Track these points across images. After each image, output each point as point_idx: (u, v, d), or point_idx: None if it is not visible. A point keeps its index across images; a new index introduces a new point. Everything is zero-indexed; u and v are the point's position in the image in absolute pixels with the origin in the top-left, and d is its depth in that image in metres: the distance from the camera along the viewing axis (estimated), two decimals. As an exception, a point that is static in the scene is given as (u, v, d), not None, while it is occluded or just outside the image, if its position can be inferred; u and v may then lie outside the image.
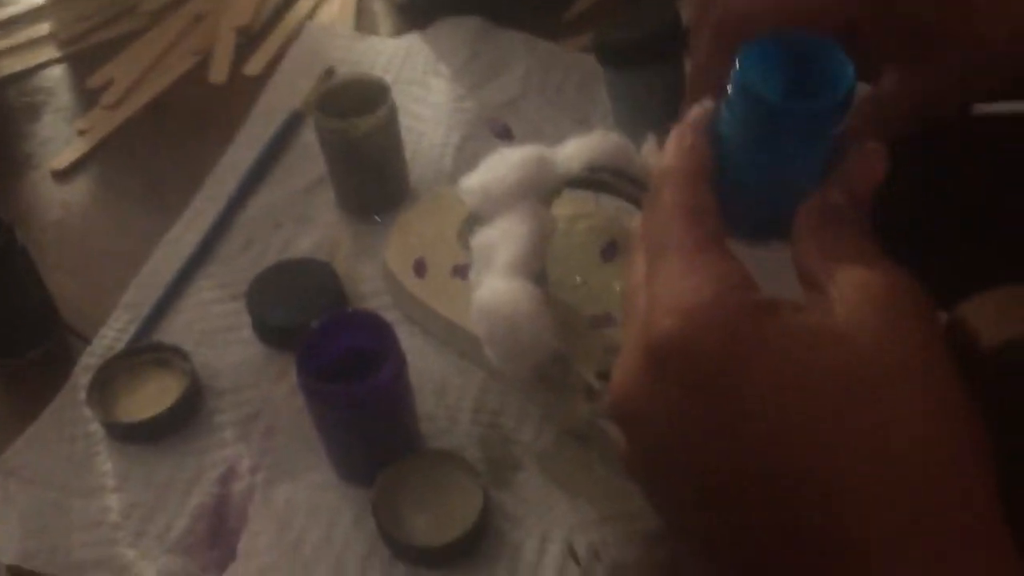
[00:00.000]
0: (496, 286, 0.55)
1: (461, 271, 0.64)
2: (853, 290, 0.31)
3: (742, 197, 0.37)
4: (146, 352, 0.65)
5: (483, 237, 0.58)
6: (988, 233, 0.85)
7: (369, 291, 0.68)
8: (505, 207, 0.58)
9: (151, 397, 0.62)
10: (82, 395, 0.63)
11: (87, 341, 0.67)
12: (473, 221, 0.61)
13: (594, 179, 0.59)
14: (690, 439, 0.31)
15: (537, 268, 0.56)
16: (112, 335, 0.67)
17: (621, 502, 0.54)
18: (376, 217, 0.72)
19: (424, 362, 0.63)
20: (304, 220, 0.73)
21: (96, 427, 0.62)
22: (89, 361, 0.66)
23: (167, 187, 0.78)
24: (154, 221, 0.74)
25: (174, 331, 0.67)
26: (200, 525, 0.57)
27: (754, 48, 0.36)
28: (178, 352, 0.64)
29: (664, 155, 0.37)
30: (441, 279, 0.64)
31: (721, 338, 0.30)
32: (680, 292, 0.32)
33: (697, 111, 0.38)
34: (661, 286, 0.32)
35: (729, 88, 0.36)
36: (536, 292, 0.55)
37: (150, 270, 0.71)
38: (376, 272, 0.68)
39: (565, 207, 0.64)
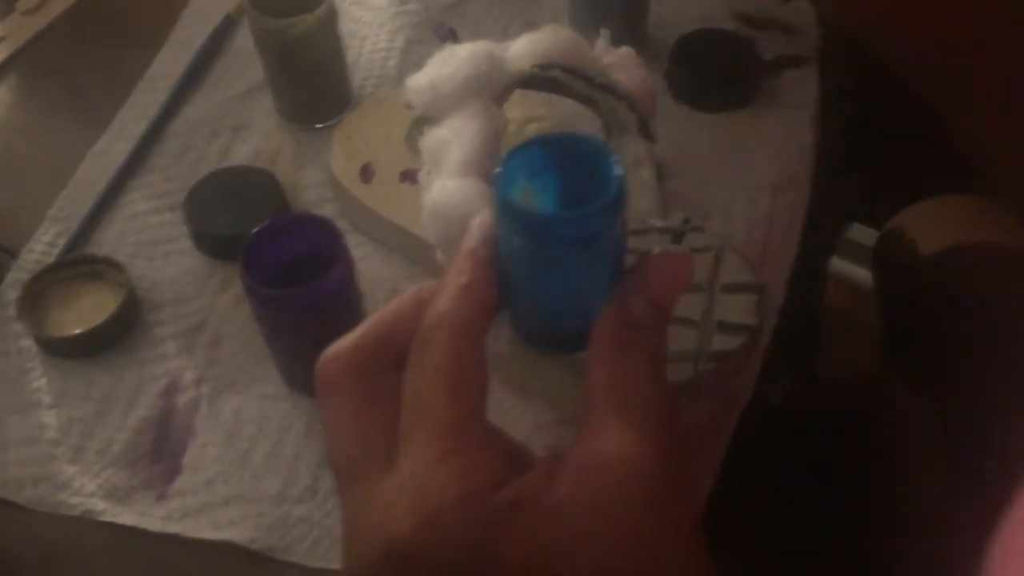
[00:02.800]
0: (448, 186, 0.53)
1: (409, 176, 0.62)
2: (613, 459, 0.30)
3: (532, 312, 0.34)
4: (78, 265, 0.62)
5: (432, 137, 0.55)
6: (922, 145, 0.86)
7: (313, 199, 0.65)
8: (455, 105, 0.56)
9: (86, 311, 0.60)
10: (11, 310, 0.60)
11: (13, 255, 0.64)
12: (422, 122, 0.58)
13: (546, 77, 0.57)
14: None
15: (491, 168, 0.54)
16: (40, 248, 0.64)
17: (575, 404, 0.54)
18: (317, 124, 0.69)
19: (374, 270, 0.61)
20: (241, 128, 0.70)
21: (28, 342, 0.59)
22: (17, 276, 0.63)
23: (93, 96, 0.74)
24: (80, 131, 0.71)
25: (107, 244, 0.64)
26: (143, 438, 0.55)
27: (516, 156, 0.33)
28: (112, 264, 0.61)
29: (439, 293, 0.32)
30: (389, 184, 0.62)
31: (463, 544, 0.29)
32: (425, 489, 0.30)
33: (476, 231, 0.34)
34: (408, 471, 0.31)
35: (494, 204, 0.33)
36: (488, 192, 0.53)
37: (78, 181, 0.68)
38: (320, 179, 0.66)
39: (516, 110, 0.62)
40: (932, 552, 0.67)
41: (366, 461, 0.33)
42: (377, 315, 0.35)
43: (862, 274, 1.24)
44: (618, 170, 0.31)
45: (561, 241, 0.31)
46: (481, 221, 0.34)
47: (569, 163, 0.33)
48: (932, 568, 0.63)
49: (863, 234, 1.23)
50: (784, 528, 0.75)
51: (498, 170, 0.32)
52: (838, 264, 1.31)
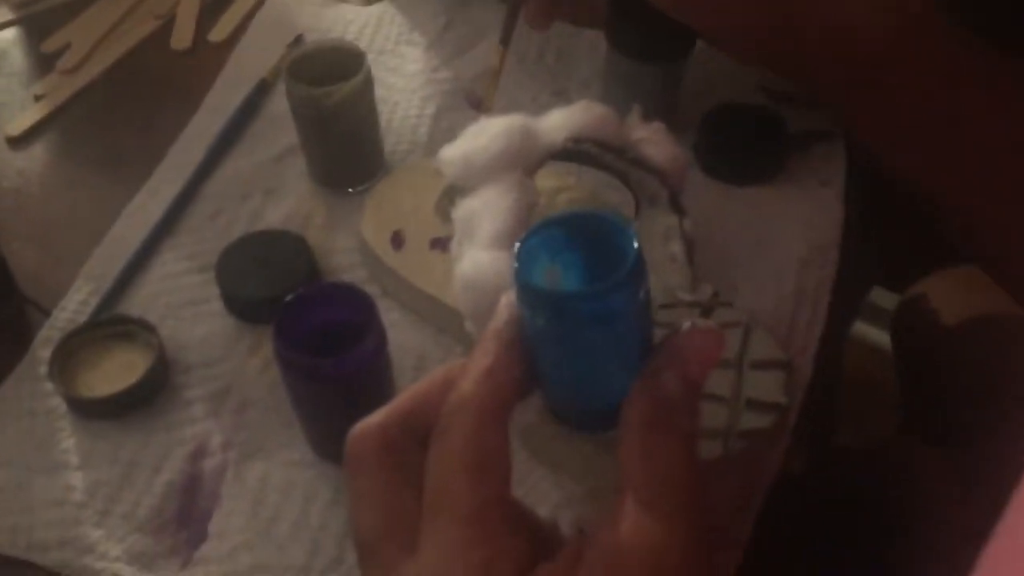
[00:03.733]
0: (479, 259, 0.54)
1: (440, 244, 0.62)
2: (642, 551, 0.30)
3: (561, 391, 0.34)
4: (110, 325, 0.62)
5: (465, 208, 0.56)
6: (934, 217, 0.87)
7: (343, 264, 0.66)
8: (487, 178, 0.56)
9: (116, 372, 0.60)
10: (42, 369, 0.61)
11: (47, 313, 0.65)
12: (453, 192, 0.59)
13: (578, 151, 0.58)
14: None
15: (521, 240, 0.55)
16: (73, 307, 0.65)
17: (606, 476, 0.53)
18: (349, 189, 0.70)
19: (402, 337, 0.61)
20: (274, 191, 0.71)
21: (58, 402, 0.60)
22: (49, 334, 0.63)
23: (128, 156, 0.75)
24: (115, 191, 0.72)
25: (139, 304, 0.65)
26: (169, 504, 0.55)
27: (535, 235, 0.33)
28: (144, 325, 0.61)
29: (464, 376, 0.32)
30: (419, 252, 0.62)
31: None
32: None
33: (503, 311, 0.33)
34: (430, 560, 0.31)
35: (513, 284, 0.32)
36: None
37: (112, 240, 0.68)
38: (351, 245, 0.67)
39: (546, 179, 0.63)
40: None
41: (388, 544, 0.33)
42: (407, 392, 0.35)
43: (881, 337, 1.23)
44: (635, 243, 0.31)
45: (581, 318, 0.31)
46: (507, 300, 0.34)
47: (590, 240, 0.33)
48: None
49: (882, 297, 1.23)
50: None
51: (516, 249, 0.32)
52: (857, 326, 1.31)
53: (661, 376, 0.32)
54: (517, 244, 0.32)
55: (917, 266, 0.89)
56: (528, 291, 0.31)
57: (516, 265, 0.32)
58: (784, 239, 0.65)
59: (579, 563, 0.30)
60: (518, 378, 0.33)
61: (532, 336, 0.33)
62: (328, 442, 0.56)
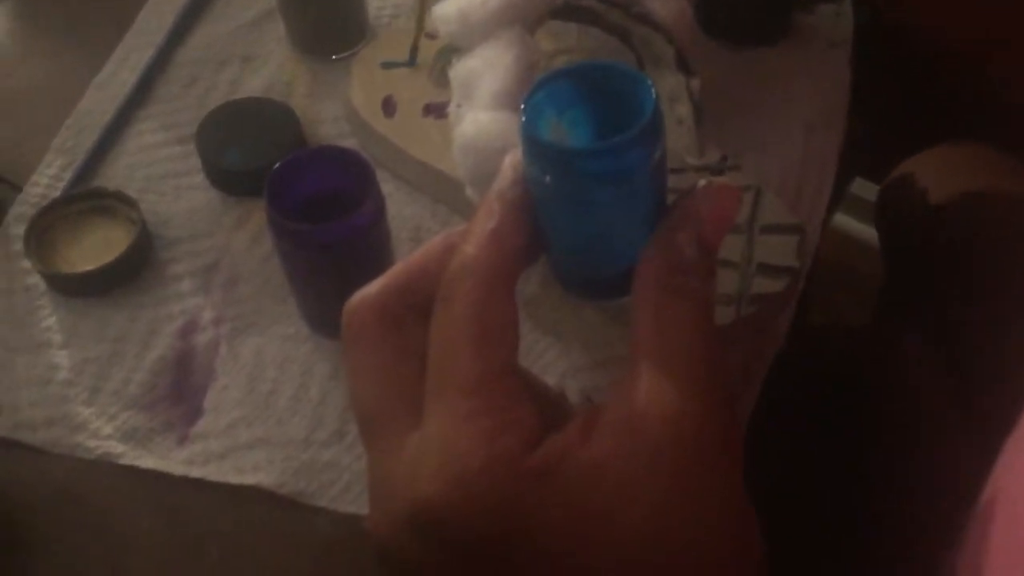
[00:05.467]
0: (481, 119, 0.51)
1: (434, 110, 0.59)
2: (654, 418, 0.28)
3: (569, 257, 0.32)
4: (86, 199, 0.59)
5: (463, 68, 0.53)
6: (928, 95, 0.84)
7: (331, 134, 0.63)
8: (486, 35, 0.53)
9: (96, 247, 0.57)
10: (17, 246, 0.58)
11: (18, 188, 0.61)
12: (449, 52, 0.56)
13: (580, 6, 0.55)
14: None
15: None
16: (45, 182, 0.61)
17: (613, 347, 0.52)
18: (332, 55, 0.66)
19: (397, 209, 0.59)
20: (252, 58, 0.67)
21: (36, 280, 0.57)
22: (21, 210, 0.60)
23: (95, 20, 0.70)
24: (83, 59, 0.67)
25: (115, 178, 0.61)
26: (162, 380, 0.53)
27: (543, 89, 0.30)
28: (123, 198, 0.58)
29: (466, 239, 0.30)
30: (412, 118, 0.59)
31: (492, 511, 0.28)
32: (451, 452, 0.28)
33: (507, 171, 0.31)
34: (435, 430, 0.29)
35: (520, 140, 0.29)
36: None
37: (82, 112, 0.65)
38: (337, 114, 0.63)
39: (544, 42, 0.60)
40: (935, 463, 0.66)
41: (391, 417, 0.31)
42: (405, 261, 0.33)
43: (859, 228, 1.22)
44: (652, 96, 0.28)
45: (591, 177, 0.28)
46: (512, 160, 0.31)
47: (601, 95, 0.30)
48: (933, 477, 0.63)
49: (863, 188, 1.21)
50: (797, 466, 0.74)
51: (522, 104, 0.29)
52: (836, 217, 1.30)
53: (675, 238, 0.30)
54: (525, 97, 0.30)
55: (903, 153, 0.87)
56: (535, 147, 0.29)
57: (523, 119, 0.29)
58: (790, 103, 0.63)
59: (591, 432, 0.29)
60: (525, 242, 0.31)
61: (539, 197, 0.30)
62: (324, 316, 0.54)
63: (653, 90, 0.28)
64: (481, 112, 0.51)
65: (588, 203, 0.30)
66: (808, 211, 0.59)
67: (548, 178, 0.29)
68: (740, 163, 0.56)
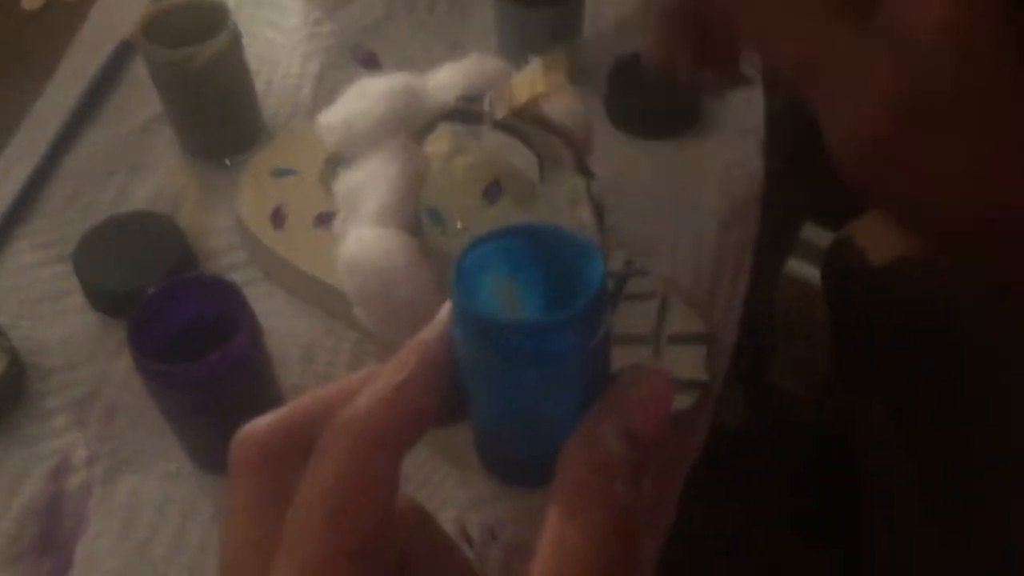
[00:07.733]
0: (364, 237, 0.48)
1: (325, 220, 0.56)
2: None
3: (489, 429, 0.28)
4: (-46, 329, 0.55)
5: (347, 180, 0.50)
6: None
7: (221, 246, 0.59)
8: (371, 145, 0.51)
9: (-38, 382, 0.53)
10: None
11: None
12: (335, 162, 0.53)
13: (471, 110, 0.52)
14: None
15: (410, 214, 0.49)
16: (-88, 309, 0.57)
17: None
18: (226, 160, 0.63)
19: (287, 325, 0.55)
20: (141, 166, 0.64)
21: None
22: None
23: (-26, 132, 0.67)
24: (-40, 172, 0.64)
25: (-11, 302, 0.58)
26: (28, 529, 0.49)
27: (488, 243, 0.26)
28: (-7, 327, 0.54)
29: (364, 389, 0.26)
30: (302, 230, 0.56)
31: None
32: None
33: (439, 320, 0.27)
34: None
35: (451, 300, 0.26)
36: (410, 242, 0.48)
37: (-43, 230, 0.61)
38: (227, 224, 0.60)
39: (440, 143, 0.57)
40: None
41: (243, 570, 0.27)
42: (312, 394, 0.29)
43: (814, 274, 1.21)
44: (600, 275, 0.25)
45: (516, 353, 0.25)
46: (447, 312, 0.27)
47: (555, 261, 0.27)
48: None
49: (816, 235, 1.21)
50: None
51: (460, 255, 0.25)
52: (790, 264, 1.29)
53: (599, 429, 0.25)
54: (466, 247, 0.26)
55: (850, 202, 0.87)
56: (459, 311, 0.25)
57: (454, 276, 0.25)
58: (701, 196, 0.61)
59: None
60: (434, 405, 0.27)
61: (462, 363, 0.26)
62: (207, 451, 0.50)
63: (602, 266, 0.25)
64: (365, 228, 0.48)
65: (510, 380, 0.26)
66: (723, 311, 0.56)
67: (470, 345, 0.25)
68: (647, 267, 0.54)
